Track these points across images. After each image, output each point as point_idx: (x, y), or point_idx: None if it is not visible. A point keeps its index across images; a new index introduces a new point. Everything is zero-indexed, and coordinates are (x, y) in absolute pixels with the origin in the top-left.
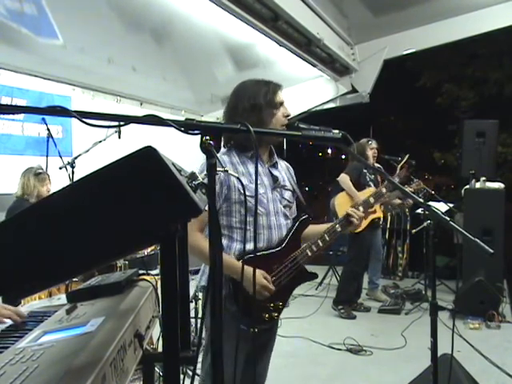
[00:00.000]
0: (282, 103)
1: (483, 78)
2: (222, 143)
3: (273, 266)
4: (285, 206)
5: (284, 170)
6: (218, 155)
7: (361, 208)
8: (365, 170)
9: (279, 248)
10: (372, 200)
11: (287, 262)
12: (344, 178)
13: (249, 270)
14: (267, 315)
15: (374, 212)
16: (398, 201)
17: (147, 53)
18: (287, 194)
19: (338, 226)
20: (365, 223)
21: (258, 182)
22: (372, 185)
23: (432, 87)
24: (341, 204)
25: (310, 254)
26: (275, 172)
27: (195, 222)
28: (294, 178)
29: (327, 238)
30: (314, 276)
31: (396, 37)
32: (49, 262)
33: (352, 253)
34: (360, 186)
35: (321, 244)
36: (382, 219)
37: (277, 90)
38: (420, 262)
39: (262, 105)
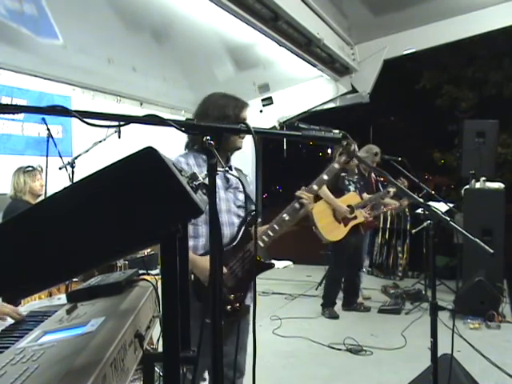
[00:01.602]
0: (245, 120)
1: (483, 79)
2: (184, 145)
3: (228, 259)
4: (239, 207)
5: (241, 177)
6: (175, 157)
7: (314, 186)
8: (343, 174)
9: (233, 243)
10: (325, 176)
11: (242, 254)
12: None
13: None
14: (230, 307)
15: (355, 218)
16: (392, 201)
17: (147, 53)
18: (241, 197)
19: (285, 215)
20: (346, 230)
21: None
22: (352, 188)
23: (432, 89)
24: (319, 213)
25: (262, 244)
26: (228, 175)
27: None
28: (250, 186)
29: (276, 228)
30: (270, 265)
31: (396, 37)
32: (49, 262)
33: (333, 259)
34: (339, 191)
35: (271, 234)
36: (376, 224)
37: (244, 107)
38: (420, 262)
39: (230, 116)
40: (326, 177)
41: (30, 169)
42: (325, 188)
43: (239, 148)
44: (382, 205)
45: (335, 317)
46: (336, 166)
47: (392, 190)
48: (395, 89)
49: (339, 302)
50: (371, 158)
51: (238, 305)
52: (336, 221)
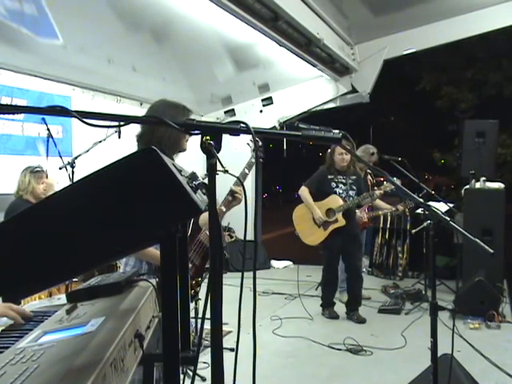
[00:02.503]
0: None
1: (482, 80)
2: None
3: None
4: None
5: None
6: None
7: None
8: (330, 177)
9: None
10: (247, 170)
11: (195, 245)
12: (302, 191)
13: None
14: (192, 291)
15: (336, 221)
16: (387, 206)
17: (147, 53)
18: None
19: (222, 206)
20: (325, 234)
21: None
22: (340, 191)
23: (432, 90)
24: (299, 217)
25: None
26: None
27: None
28: None
29: None
30: None
31: (396, 37)
32: (49, 261)
33: (323, 261)
34: (324, 194)
35: None
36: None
37: (190, 116)
38: (420, 262)
39: None
40: (247, 171)
41: (39, 169)
42: (305, 192)
43: (184, 150)
44: (377, 208)
45: (335, 317)
46: (253, 160)
47: (378, 191)
48: (395, 89)
49: (341, 305)
50: (367, 158)
51: (198, 289)
52: (315, 225)
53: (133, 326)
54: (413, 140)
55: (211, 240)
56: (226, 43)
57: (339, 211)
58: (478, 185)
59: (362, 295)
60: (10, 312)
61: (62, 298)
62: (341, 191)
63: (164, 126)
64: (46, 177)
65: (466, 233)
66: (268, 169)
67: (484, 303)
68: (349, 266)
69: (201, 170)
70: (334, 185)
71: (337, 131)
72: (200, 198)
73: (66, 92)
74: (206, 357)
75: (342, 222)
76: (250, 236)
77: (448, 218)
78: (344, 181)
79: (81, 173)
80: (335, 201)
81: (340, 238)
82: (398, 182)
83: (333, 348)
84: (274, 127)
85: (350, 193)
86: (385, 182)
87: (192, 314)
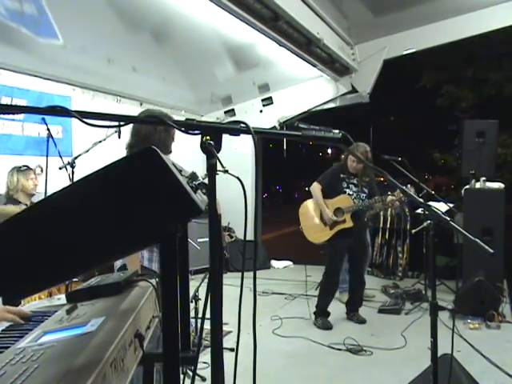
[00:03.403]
0: (173, 134)
1: (483, 79)
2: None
3: None
4: None
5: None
6: None
7: None
8: (342, 176)
9: None
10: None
11: None
12: (314, 187)
13: None
14: None
15: (344, 222)
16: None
17: (147, 53)
18: None
19: None
20: (330, 233)
21: None
22: (350, 192)
23: (432, 88)
24: (306, 212)
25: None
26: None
27: None
28: None
29: None
30: None
31: (396, 37)
32: (49, 262)
33: (326, 265)
34: (334, 192)
35: None
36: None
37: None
38: (420, 262)
39: (173, 130)
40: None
41: (25, 168)
42: (317, 188)
43: (170, 152)
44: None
45: (328, 327)
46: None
47: (391, 197)
48: (395, 89)
49: (341, 305)
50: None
51: None
52: (322, 223)
53: (133, 326)
54: (413, 140)
55: (211, 240)
56: (225, 43)
57: (348, 212)
58: (478, 185)
59: (363, 297)
60: (8, 315)
61: (61, 298)
62: (351, 192)
63: (158, 133)
64: (34, 173)
65: (466, 233)
66: (268, 169)
67: (484, 303)
68: (353, 269)
69: (201, 170)
70: (344, 185)
71: (337, 131)
72: (200, 198)
73: (66, 92)
74: (206, 357)
75: (349, 223)
76: (250, 236)
77: (448, 218)
78: (356, 182)
79: (81, 173)
80: (345, 201)
81: (346, 239)
82: (412, 190)
83: (333, 348)
84: (274, 127)
85: (362, 195)
86: (406, 187)
87: (192, 313)
